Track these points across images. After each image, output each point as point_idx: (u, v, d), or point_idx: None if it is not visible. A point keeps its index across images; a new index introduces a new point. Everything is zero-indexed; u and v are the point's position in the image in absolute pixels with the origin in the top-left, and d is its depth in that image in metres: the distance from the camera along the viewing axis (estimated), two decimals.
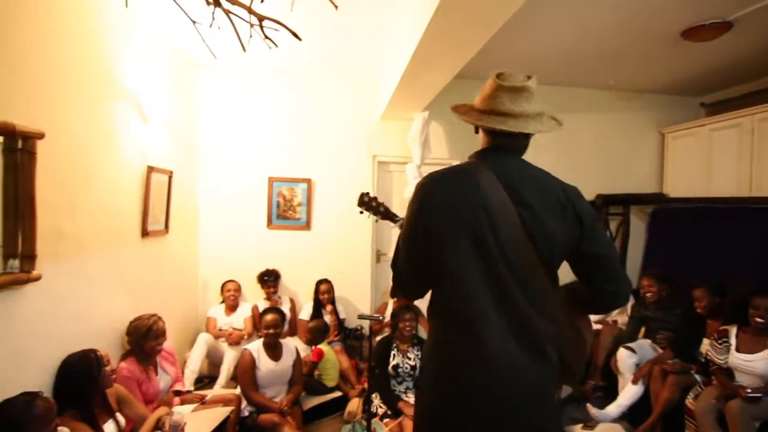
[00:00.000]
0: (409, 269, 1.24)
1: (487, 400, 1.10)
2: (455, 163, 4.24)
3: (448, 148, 4.25)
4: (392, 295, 3.76)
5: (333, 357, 3.33)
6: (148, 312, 2.54)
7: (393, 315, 3.01)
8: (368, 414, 2.52)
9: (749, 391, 2.36)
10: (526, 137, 1.21)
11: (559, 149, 4.26)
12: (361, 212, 1.79)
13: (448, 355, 1.15)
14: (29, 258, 1.73)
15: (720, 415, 2.42)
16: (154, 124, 2.93)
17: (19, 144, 1.67)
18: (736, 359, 2.55)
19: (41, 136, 1.74)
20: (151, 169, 2.86)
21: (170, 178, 3.17)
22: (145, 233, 2.83)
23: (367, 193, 1.79)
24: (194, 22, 1.74)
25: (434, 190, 1.19)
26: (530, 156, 1.22)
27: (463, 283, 1.13)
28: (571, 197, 1.16)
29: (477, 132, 1.27)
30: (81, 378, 1.90)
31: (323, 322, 3.54)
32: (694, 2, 2.54)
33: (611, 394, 3.06)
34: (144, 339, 2.39)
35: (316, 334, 3.36)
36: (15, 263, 1.70)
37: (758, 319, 2.49)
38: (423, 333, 3.47)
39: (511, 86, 1.14)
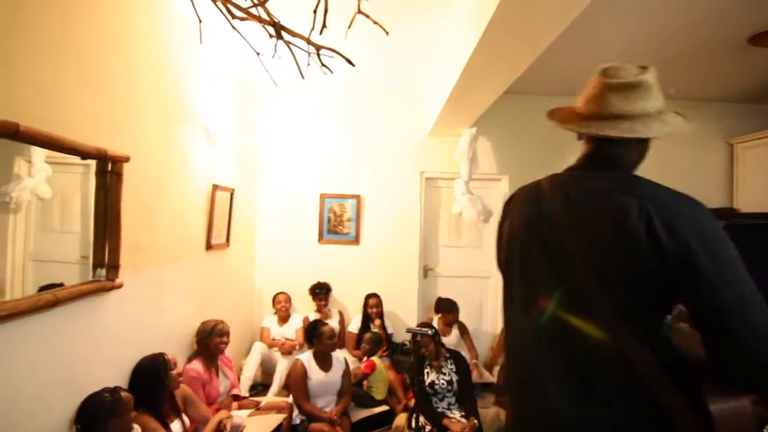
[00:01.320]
0: None
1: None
2: (503, 178, 4.25)
3: (497, 163, 4.23)
4: None
5: (383, 370, 3.37)
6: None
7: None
8: (415, 430, 2.52)
9: None
10: (640, 143, 1.02)
11: None
12: None
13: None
14: (114, 268, 1.94)
15: None
16: (219, 146, 3.18)
17: (109, 167, 1.90)
18: None
19: (127, 159, 1.97)
20: (215, 187, 3.08)
21: (232, 195, 3.40)
22: (209, 246, 3.05)
23: None
24: (258, 54, 1.91)
25: (508, 209, 1.15)
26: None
27: (511, 310, 1.10)
28: (651, 215, 0.85)
29: (580, 139, 1.09)
30: (150, 380, 2.07)
31: (378, 334, 3.58)
32: (760, 7, 2.41)
33: None
34: (209, 336, 2.60)
35: (372, 345, 3.40)
36: (102, 272, 1.91)
37: None
38: (464, 350, 3.47)
39: (624, 83, 0.96)
